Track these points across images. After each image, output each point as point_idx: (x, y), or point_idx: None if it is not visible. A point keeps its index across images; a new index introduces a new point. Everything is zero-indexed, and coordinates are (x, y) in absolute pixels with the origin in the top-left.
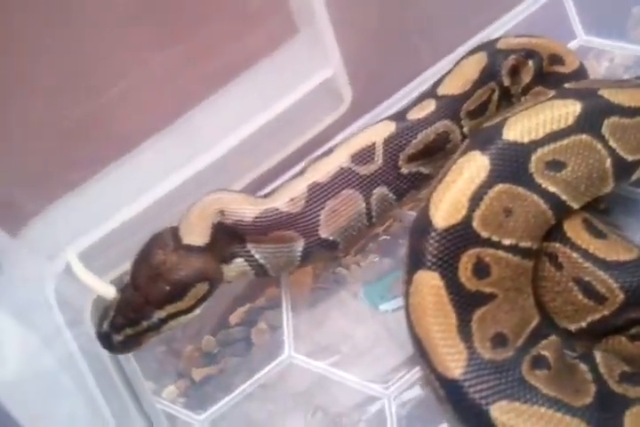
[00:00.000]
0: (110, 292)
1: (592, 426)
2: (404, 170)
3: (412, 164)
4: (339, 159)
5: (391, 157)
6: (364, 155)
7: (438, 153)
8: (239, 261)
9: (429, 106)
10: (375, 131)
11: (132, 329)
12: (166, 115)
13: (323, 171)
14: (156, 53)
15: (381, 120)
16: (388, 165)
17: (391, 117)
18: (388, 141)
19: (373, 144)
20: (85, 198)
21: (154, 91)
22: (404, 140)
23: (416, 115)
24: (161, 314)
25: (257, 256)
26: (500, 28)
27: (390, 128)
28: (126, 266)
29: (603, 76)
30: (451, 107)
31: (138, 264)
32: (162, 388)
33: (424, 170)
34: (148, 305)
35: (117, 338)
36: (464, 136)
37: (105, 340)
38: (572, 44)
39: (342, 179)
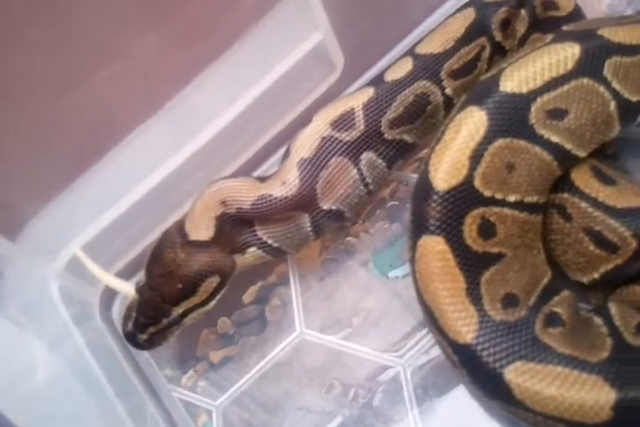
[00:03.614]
0: (128, 289)
1: (609, 381)
2: (388, 136)
3: (395, 130)
4: (318, 129)
5: (373, 122)
6: (344, 121)
7: (420, 117)
8: (252, 250)
9: (406, 65)
10: (353, 97)
11: (155, 327)
12: (156, 99)
13: (306, 145)
14: (140, 37)
15: (361, 87)
16: (371, 130)
17: (370, 83)
18: (367, 106)
19: (352, 109)
20: (81, 193)
21: (140, 76)
22: (384, 103)
23: (394, 75)
24: (178, 311)
25: (269, 241)
26: None
27: (369, 93)
28: (131, 255)
29: (605, 15)
30: (429, 66)
31: (151, 264)
32: (181, 374)
33: (408, 138)
34: (164, 303)
35: (143, 337)
36: (447, 97)
37: (132, 339)
38: None
39: (327, 148)
